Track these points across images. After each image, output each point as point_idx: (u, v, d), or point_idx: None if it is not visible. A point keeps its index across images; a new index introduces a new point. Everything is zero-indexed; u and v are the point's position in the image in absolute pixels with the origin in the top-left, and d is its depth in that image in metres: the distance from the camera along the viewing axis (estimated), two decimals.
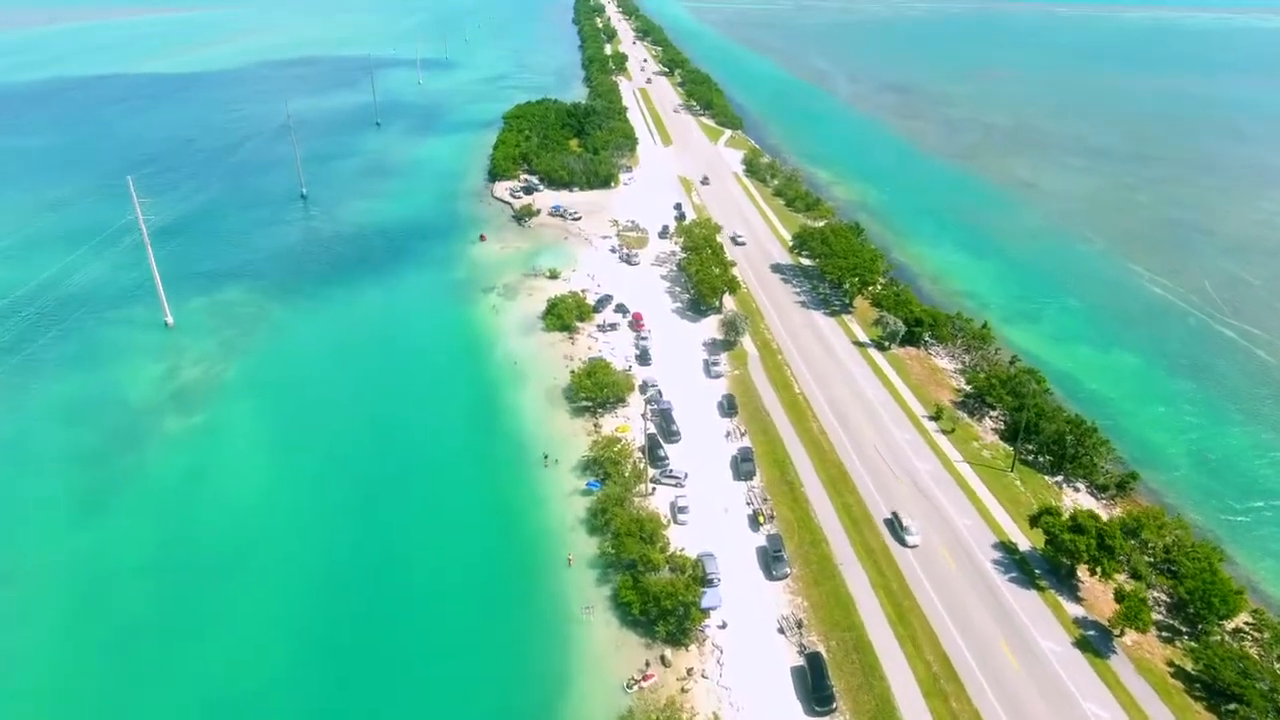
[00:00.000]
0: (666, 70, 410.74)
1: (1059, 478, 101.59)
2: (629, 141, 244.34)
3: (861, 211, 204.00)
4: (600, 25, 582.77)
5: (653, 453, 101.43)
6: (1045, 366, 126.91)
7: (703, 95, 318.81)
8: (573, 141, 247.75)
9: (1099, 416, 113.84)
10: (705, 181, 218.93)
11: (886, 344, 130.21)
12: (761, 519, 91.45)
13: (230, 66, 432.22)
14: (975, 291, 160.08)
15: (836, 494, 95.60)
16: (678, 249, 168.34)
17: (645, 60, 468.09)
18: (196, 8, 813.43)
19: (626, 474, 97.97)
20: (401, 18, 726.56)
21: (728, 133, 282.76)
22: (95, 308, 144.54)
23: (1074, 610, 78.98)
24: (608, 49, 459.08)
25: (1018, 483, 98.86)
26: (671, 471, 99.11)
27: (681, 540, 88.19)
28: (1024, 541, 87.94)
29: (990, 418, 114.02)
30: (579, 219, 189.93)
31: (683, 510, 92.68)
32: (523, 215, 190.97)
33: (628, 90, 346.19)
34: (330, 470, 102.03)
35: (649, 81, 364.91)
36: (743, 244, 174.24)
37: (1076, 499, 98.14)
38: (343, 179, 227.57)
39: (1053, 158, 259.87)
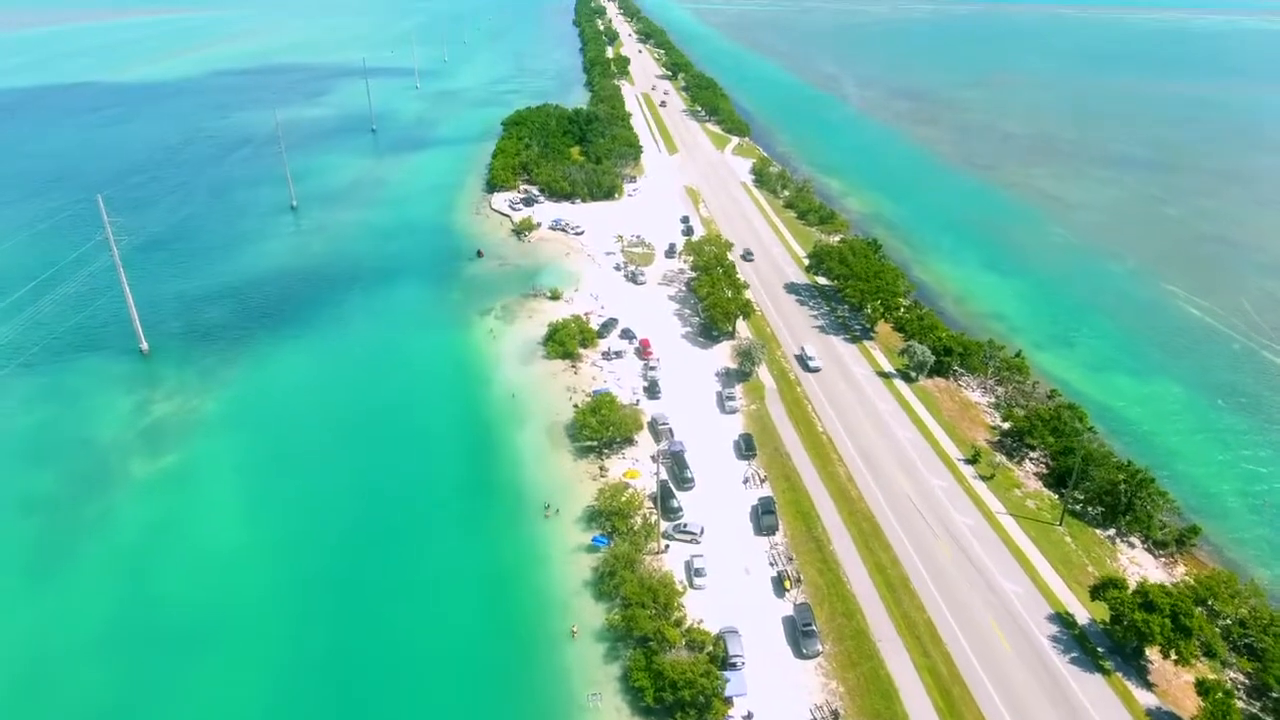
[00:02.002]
0: (670, 74, 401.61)
1: (1111, 531, 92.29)
2: (633, 150, 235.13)
3: (877, 225, 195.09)
4: (602, 28, 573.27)
5: (665, 503, 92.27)
6: (1082, 398, 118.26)
7: (708, 100, 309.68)
8: (574, 149, 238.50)
9: (1144, 455, 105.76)
10: (748, 256, 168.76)
11: (914, 375, 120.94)
12: (788, 583, 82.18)
13: (223, 70, 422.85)
14: (1002, 313, 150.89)
15: (869, 552, 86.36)
16: (686, 266, 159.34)
17: (641, 51, 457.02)
18: (193, 9, 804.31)
19: (636, 528, 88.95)
20: (400, 19, 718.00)
21: (734, 140, 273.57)
22: (65, 334, 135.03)
23: (1145, 699, 69.67)
24: (609, 52, 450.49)
25: (1068, 539, 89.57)
26: (686, 526, 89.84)
27: (699, 607, 79.17)
28: (1081, 611, 78.72)
29: (1030, 459, 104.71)
30: (581, 233, 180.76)
31: (699, 573, 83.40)
32: (522, 229, 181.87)
33: (630, 95, 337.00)
34: (309, 523, 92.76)
35: (663, 96, 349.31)
36: (816, 370, 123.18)
37: (1133, 557, 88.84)
38: (335, 189, 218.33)
39: (1074, 168, 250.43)
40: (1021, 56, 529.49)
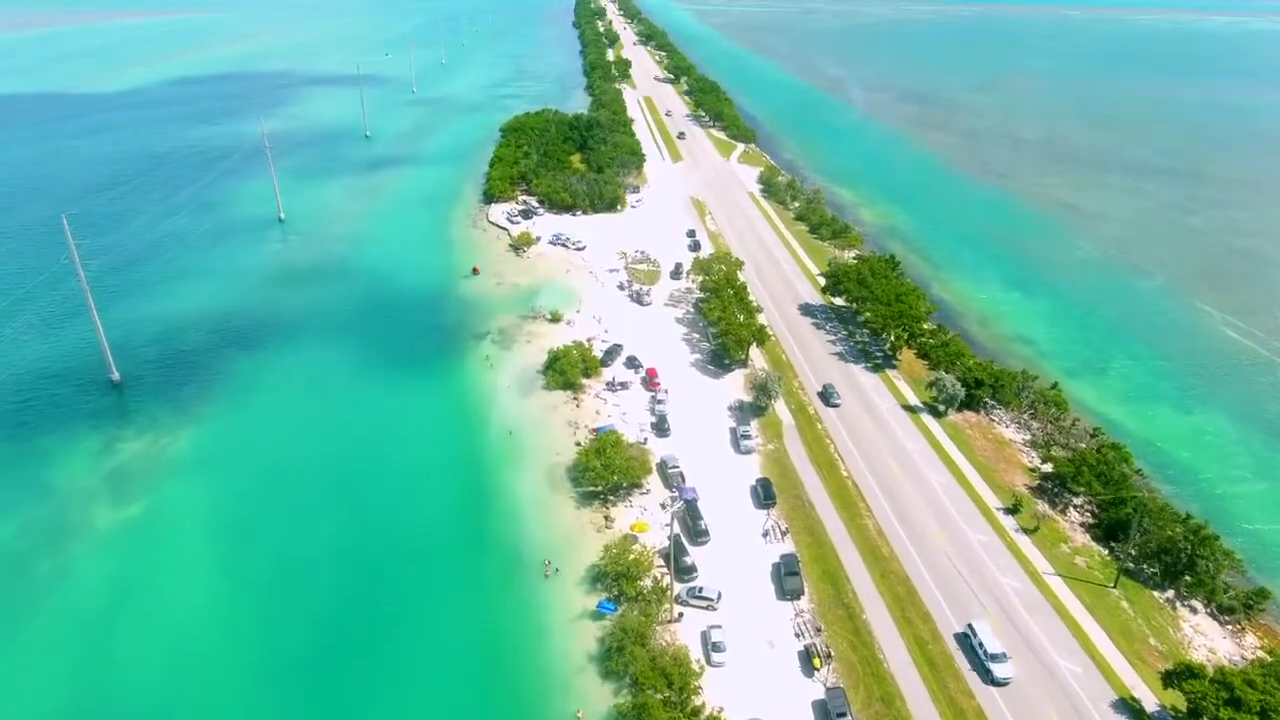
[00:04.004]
0: (672, 77, 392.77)
1: (1169, 594, 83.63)
2: (635, 158, 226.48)
3: (893, 239, 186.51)
4: (602, 30, 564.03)
5: (678, 562, 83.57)
6: (1121, 432, 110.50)
7: (712, 105, 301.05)
8: (574, 157, 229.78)
9: (1195, 499, 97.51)
10: (830, 399, 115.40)
11: (942, 409, 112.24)
12: (817, 660, 73.42)
13: (217, 74, 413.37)
14: (1030, 337, 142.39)
15: (906, 623, 77.66)
16: (694, 285, 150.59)
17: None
18: (194, 10, 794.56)
19: (647, 591, 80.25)
20: (398, 20, 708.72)
21: (740, 147, 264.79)
22: (29, 362, 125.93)
23: None
24: (610, 54, 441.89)
25: (1124, 603, 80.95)
26: (702, 590, 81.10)
27: (718, 690, 70.54)
28: (1148, 695, 70.04)
29: (1074, 507, 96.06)
30: (583, 248, 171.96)
31: (717, 647, 74.59)
32: (520, 244, 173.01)
33: (632, 99, 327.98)
34: (284, 583, 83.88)
35: (664, 106, 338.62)
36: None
37: (1197, 624, 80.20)
38: (325, 200, 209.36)
39: (1092, 176, 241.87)
40: (1027, 58, 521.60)
